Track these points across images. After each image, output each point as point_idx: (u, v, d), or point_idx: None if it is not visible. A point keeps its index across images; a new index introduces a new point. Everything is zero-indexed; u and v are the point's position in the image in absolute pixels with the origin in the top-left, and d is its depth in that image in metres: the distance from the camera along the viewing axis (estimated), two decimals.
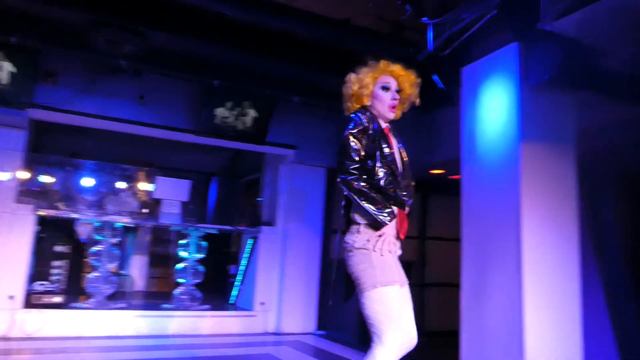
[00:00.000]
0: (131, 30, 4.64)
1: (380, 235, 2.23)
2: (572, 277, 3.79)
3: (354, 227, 2.31)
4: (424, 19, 4.08)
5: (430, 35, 4.19)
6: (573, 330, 3.71)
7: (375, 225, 2.24)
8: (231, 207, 8.33)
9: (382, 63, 2.49)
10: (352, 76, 2.51)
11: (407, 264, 7.13)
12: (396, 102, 2.45)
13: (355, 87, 2.47)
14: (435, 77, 4.54)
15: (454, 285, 4.67)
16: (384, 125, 2.47)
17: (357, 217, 2.31)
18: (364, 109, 2.47)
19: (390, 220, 2.24)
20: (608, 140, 4.79)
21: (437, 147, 5.73)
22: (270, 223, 6.74)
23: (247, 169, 8.27)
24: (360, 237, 2.26)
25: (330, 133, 6.41)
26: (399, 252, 2.40)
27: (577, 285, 3.80)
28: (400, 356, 2.22)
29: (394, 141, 2.47)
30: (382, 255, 2.23)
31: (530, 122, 3.80)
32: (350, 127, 2.37)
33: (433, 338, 6.98)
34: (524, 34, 3.73)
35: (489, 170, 4.03)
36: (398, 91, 2.48)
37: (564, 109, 3.99)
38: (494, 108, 4.07)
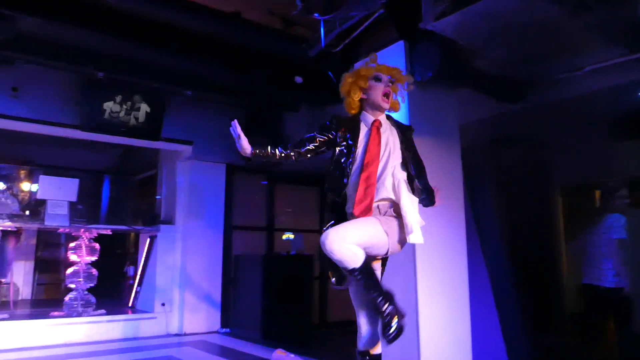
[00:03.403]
0: None
1: None
2: (461, 272, 4.06)
3: None
4: (315, 15, 4.15)
5: (322, 31, 4.28)
6: (463, 319, 3.97)
7: None
8: (126, 206, 7.93)
9: (373, 60, 2.71)
10: (346, 74, 2.71)
11: (308, 257, 7.28)
12: (389, 90, 2.64)
13: (350, 79, 2.66)
14: (330, 74, 4.66)
15: None
16: (371, 119, 2.63)
17: None
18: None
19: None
20: (484, 135, 5.20)
21: None
22: (169, 221, 6.52)
23: (141, 165, 7.91)
24: None
25: (226, 128, 6.31)
26: None
27: (465, 272, 4.08)
28: None
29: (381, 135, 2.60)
30: None
31: (417, 117, 3.99)
32: None
33: (335, 328, 7.22)
34: (409, 33, 3.93)
35: None
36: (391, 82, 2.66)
37: (447, 105, 4.27)
38: None
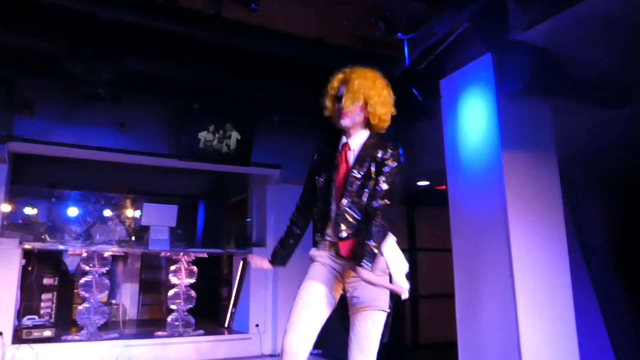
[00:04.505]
0: (107, 58, 4.66)
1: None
2: (563, 281, 3.84)
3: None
4: (399, 34, 4.17)
5: (406, 50, 4.28)
6: (568, 334, 3.75)
7: None
8: (219, 229, 8.30)
9: (334, 77, 2.40)
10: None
11: None
12: (344, 111, 2.28)
13: (325, 113, 2.45)
14: (415, 91, 4.64)
15: (447, 296, 4.70)
16: (343, 141, 2.36)
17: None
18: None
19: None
20: (583, 144, 4.90)
21: (420, 159, 5.80)
22: (260, 244, 6.73)
23: (233, 190, 8.27)
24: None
25: (312, 150, 6.44)
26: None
27: (569, 288, 3.84)
28: None
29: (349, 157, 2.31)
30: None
31: (509, 130, 3.89)
32: None
33: (428, 350, 7.01)
34: (496, 45, 3.83)
35: (474, 179, 4.09)
36: (339, 97, 2.32)
37: (540, 115, 4.10)
38: (473, 118, 4.16)
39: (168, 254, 6.41)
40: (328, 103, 2.40)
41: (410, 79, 4.65)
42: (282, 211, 6.70)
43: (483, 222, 3.95)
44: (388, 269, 2.20)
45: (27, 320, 5.43)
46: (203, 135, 5.92)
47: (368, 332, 2.17)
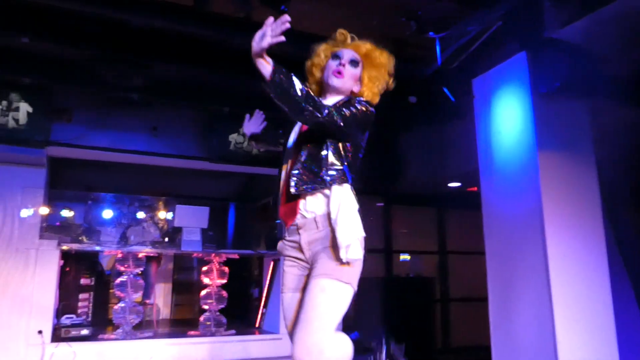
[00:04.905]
0: (138, 63, 4.77)
1: None
2: (602, 284, 3.74)
3: None
4: (430, 33, 4.13)
5: (437, 49, 4.23)
6: (608, 340, 3.64)
7: None
8: (249, 230, 8.37)
9: (342, 36, 2.19)
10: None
11: (428, 279, 7.15)
12: (342, 69, 2.08)
13: (309, 64, 2.24)
14: (446, 90, 4.58)
15: (478, 300, 4.63)
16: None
17: None
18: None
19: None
20: (622, 145, 4.74)
21: (450, 160, 5.73)
22: None
23: (263, 191, 8.32)
24: None
25: None
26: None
27: (608, 292, 3.73)
28: None
29: None
30: None
31: (545, 130, 3.80)
32: None
33: (458, 354, 6.92)
34: (531, 43, 3.75)
35: (508, 180, 4.01)
36: (355, 63, 2.12)
37: (577, 115, 3.99)
38: (507, 118, 4.08)
39: (200, 254, 6.49)
40: (322, 54, 2.19)
41: (441, 79, 4.59)
42: None
43: (518, 224, 3.87)
44: (329, 216, 1.88)
45: (65, 319, 5.59)
46: (233, 137, 5.98)
47: (315, 301, 1.79)
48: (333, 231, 1.86)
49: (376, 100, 2.14)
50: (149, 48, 4.69)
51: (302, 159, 1.98)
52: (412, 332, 6.03)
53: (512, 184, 3.96)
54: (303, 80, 2.00)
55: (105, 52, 4.67)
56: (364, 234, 1.92)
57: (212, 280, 6.34)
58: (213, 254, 6.38)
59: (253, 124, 2.59)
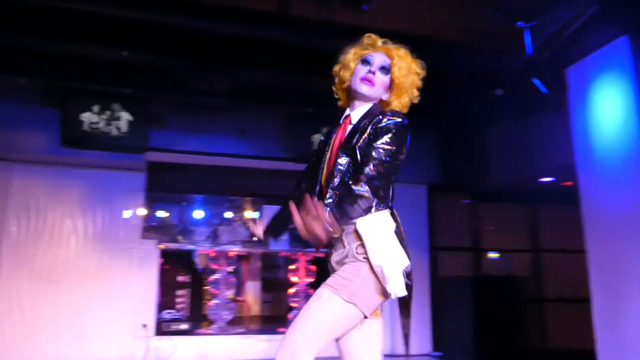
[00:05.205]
0: (225, 70, 4.98)
1: None
2: None
3: None
4: (519, 23, 3.95)
5: (528, 39, 4.04)
6: None
7: None
8: None
9: (370, 39, 2.03)
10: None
11: (520, 278, 6.84)
12: (371, 77, 1.92)
13: (336, 68, 2.07)
14: (537, 82, 4.36)
15: (577, 300, 4.37)
16: (346, 113, 2.00)
17: None
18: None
19: None
20: None
21: (542, 154, 5.44)
22: None
23: None
24: None
25: (427, 147, 6.31)
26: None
27: None
28: None
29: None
30: None
31: None
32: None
33: (556, 357, 6.54)
34: (634, 27, 3.47)
35: (610, 174, 3.76)
36: (385, 70, 1.95)
37: None
38: (607, 108, 3.82)
39: (287, 253, 6.66)
40: (350, 61, 2.01)
41: (530, 70, 4.38)
42: (396, 210, 6.64)
43: (622, 220, 3.61)
44: (365, 252, 1.75)
45: (166, 314, 5.97)
46: (317, 137, 6.08)
47: (308, 305, 1.71)
48: (369, 262, 1.75)
49: (405, 111, 1.98)
50: (235, 54, 4.89)
51: (335, 184, 1.85)
52: (503, 332, 5.82)
53: (615, 177, 3.70)
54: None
55: (194, 61, 4.94)
56: (408, 263, 1.81)
57: (300, 278, 6.47)
58: (300, 253, 6.51)
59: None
